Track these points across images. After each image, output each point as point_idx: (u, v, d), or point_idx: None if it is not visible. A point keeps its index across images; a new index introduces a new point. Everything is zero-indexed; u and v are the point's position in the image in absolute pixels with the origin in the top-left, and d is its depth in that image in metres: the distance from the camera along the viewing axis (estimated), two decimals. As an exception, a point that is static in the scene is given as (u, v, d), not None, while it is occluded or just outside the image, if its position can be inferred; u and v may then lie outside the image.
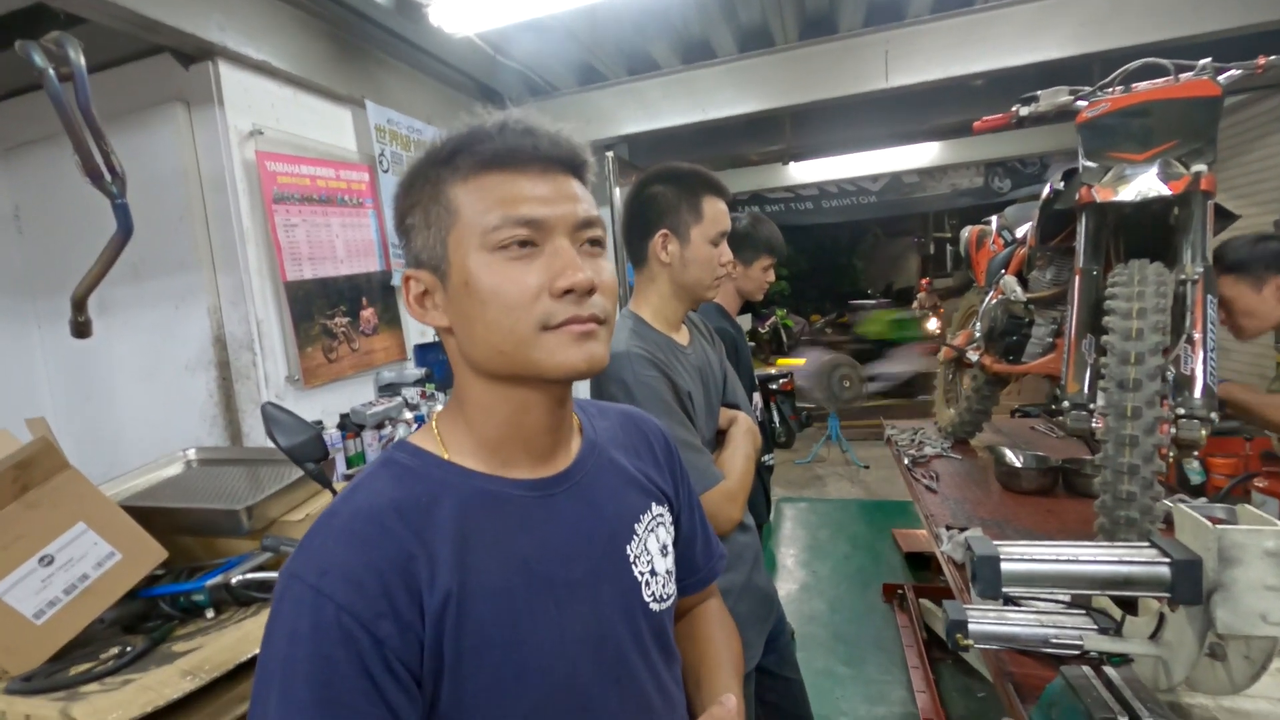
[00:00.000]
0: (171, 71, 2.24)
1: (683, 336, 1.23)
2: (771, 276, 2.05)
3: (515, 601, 0.55)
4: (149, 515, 1.23)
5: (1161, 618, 0.89)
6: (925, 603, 2.77)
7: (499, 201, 0.54)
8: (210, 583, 1.19)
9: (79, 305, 1.40)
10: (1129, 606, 0.97)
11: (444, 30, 2.67)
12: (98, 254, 1.36)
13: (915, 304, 7.91)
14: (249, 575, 1.20)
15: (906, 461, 2.35)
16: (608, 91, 3.78)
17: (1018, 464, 2.00)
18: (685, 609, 0.81)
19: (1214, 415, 1.23)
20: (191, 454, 1.69)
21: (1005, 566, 0.85)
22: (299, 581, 0.51)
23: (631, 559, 0.64)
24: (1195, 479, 1.84)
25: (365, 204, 2.83)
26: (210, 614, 1.19)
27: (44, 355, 2.59)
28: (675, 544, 0.73)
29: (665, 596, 0.67)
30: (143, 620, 1.18)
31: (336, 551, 0.52)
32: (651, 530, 0.67)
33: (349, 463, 2.45)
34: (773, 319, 12.05)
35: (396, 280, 2.94)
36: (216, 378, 2.33)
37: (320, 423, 2.41)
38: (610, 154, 3.91)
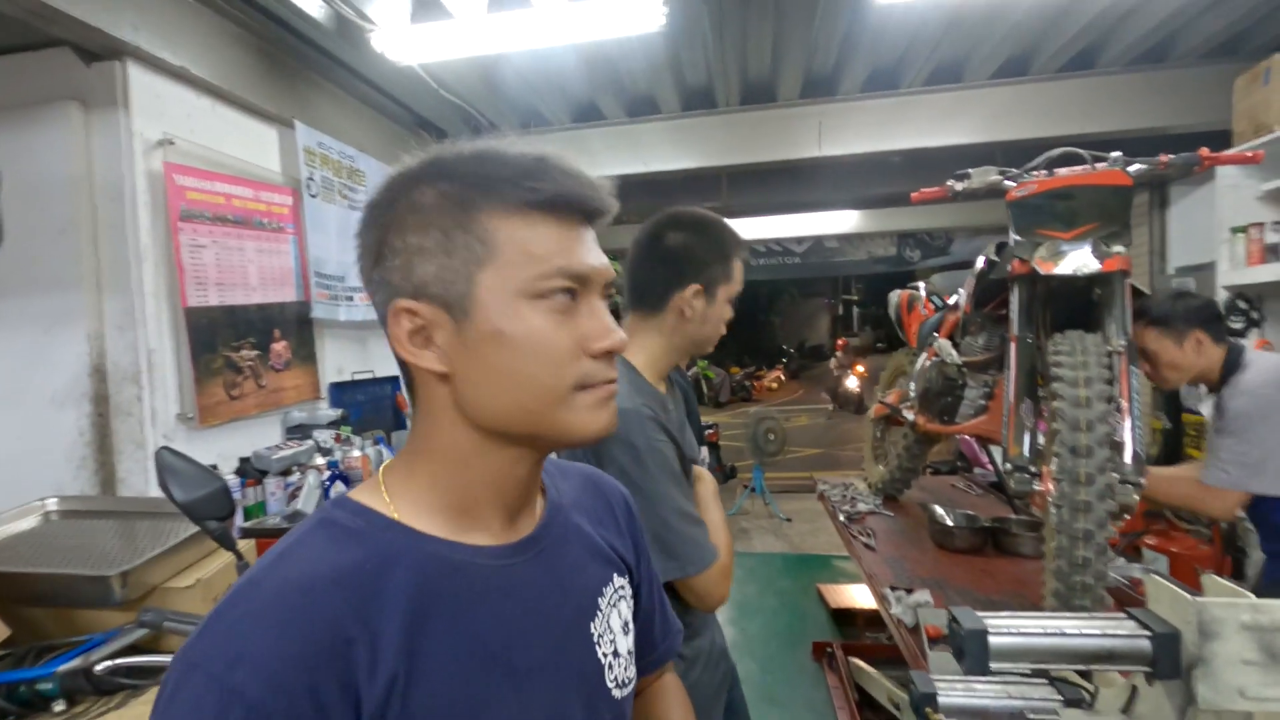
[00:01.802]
0: (69, 68, 2.01)
1: (662, 389, 1.16)
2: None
3: (472, 689, 0.47)
4: (-11, 583, 1.01)
5: (1134, 691, 0.88)
6: (855, 661, 2.75)
7: (555, 250, 0.49)
8: (63, 668, 0.99)
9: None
10: (1085, 677, 0.96)
11: (386, 58, 2.58)
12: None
13: (832, 361, 8.29)
14: (116, 660, 0.99)
15: (842, 518, 2.36)
16: (550, 136, 3.78)
17: (950, 523, 2.04)
18: (639, 689, 0.74)
19: (1143, 480, 1.29)
20: (51, 504, 1.43)
21: (994, 641, 0.81)
22: (200, 672, 0.40)
23: (595, 638, 0.57)
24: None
25: (286, 229, 2.62)
26: (60, 707, 0.98)
27: None
28: (635, 619, 0.67)
29: (626, 681, 0.61)
30: (-34, 719, 0.94)
31: (254, 635, 0.41)
32: (614, 605, 0.62)
33: (247, 513, 2.17)
34: (694, 369, 12.26)
35: (317, 312, 2.72)
36: (90, 413, 2.02)
37: (215, 467, 2.13)
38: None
